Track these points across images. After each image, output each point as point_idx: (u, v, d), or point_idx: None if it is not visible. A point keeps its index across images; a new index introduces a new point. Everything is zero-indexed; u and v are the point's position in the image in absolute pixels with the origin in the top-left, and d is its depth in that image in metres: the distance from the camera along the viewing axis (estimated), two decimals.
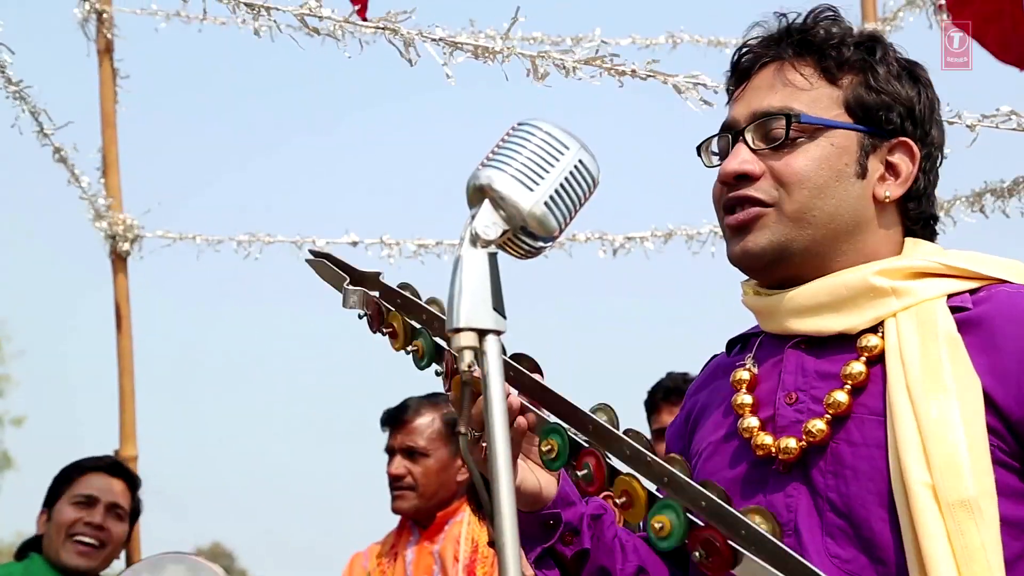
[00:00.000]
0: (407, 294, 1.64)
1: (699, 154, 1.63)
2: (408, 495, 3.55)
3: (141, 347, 4.15)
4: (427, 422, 3.57)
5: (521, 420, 1.50)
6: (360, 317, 1.69)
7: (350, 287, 1.69)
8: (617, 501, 1.42)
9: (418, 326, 1.62)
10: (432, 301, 1.62)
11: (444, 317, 1.49)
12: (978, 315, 1.47)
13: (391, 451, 3.61)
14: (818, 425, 1.47)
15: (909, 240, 1.58)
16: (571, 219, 1.34)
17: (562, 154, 1.33)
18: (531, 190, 1.31)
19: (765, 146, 1.54)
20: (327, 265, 1.72)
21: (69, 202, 4.05)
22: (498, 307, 1.23)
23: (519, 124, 1.35)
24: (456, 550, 3.49)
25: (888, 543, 1.42)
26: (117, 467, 3.58)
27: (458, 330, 1.22)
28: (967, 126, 2.94)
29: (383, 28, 2.85)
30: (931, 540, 1.37)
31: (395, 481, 3.56)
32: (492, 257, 1.27)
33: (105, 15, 4.02)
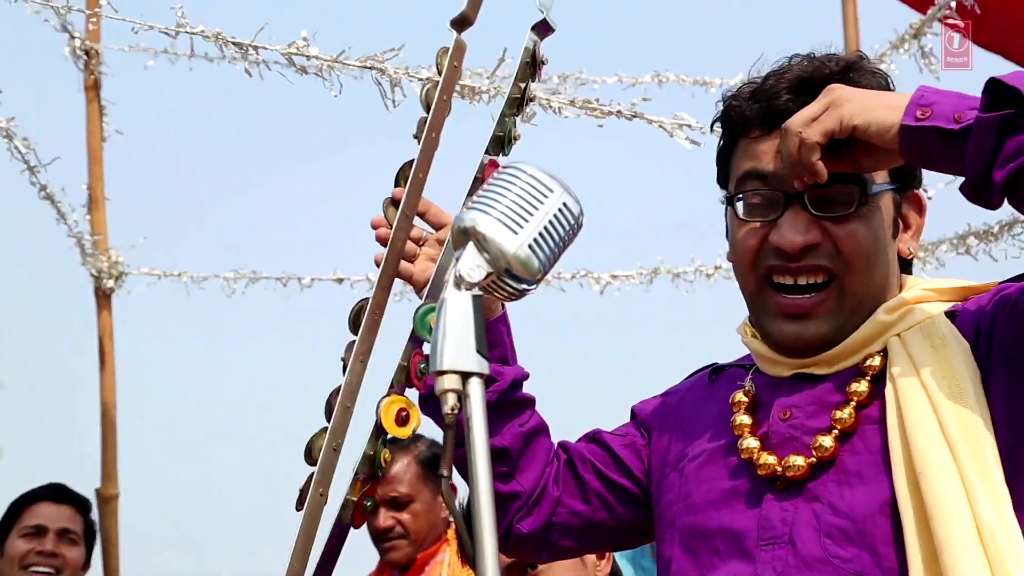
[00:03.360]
0: None
1: (730, 204, 1.55)
2: (400, 544, 3.49)
3: (125, 384, 4.12)
4: (403, 467, 3.51)
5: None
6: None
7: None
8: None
9: None
10: None
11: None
12: (962, 314, 1.51)
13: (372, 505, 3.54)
14: (825, 442, 1.48)
15: (909, 280, 1.59)
16: (555, 261, 1.35)
17: (546, 197, 1.33)
18: (515, 233, 1.31)
19: (827, 214, 1.49)
20: None
21: (55, 239, 4.04)
22: (481, 350, 1.23)
23: (504, 167, 1.36)
24: None
25: (888, 541, 1.43)
26: (63, 492, 3.54)
27: (441, 372, 1.22)
28: None
29: (370, 67, 2.87)
30: (950, 523, 1.36)
31: (385, 534, 3.50)
32: (476, 300, 1.27)
33: (93, 52, 4.03)
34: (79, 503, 3.55)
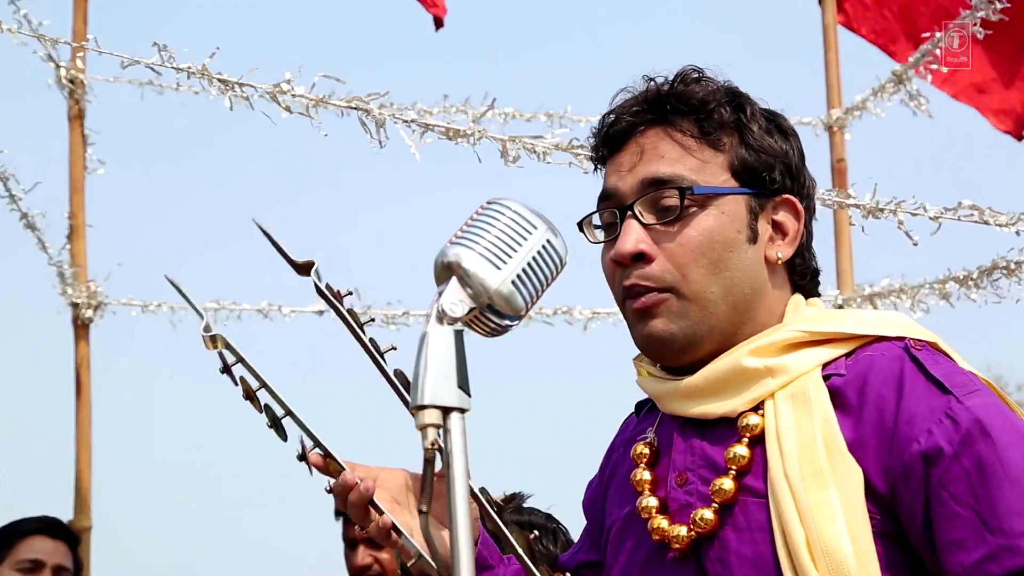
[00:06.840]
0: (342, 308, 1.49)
1: (581, 230, 1.55)
2: None
3: (101, 416, 4.09)
4: None
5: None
6: (222, 372, 1.53)
7: (205, 334, 1.51)
8: None
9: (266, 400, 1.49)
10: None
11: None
12: (845, 384, 1.44)
13: (351, 542, 3.52)
14: (706, 515, 1.45)
15: (791, 302, 1.54)
16: (537, 298, 1.35)
17: (530, 234, 1.34)
18: (498, 268, 1.32)
19: (656, 221, 1.48)
20: (272, 240, 1.57)
21: (35, 267, 4.03)
22: (463, 385, 1.23)
23: (488, 203, 1.37)
24: None
25: None
26: (58, 527, 3.47)
27: (422, 407, 1.21)
28: (930, 218, 2.99)
29: (355, 108, 2.88)
30: None
31: (362, 572, 3.48)
32: (458, 335, 1.27)
33: (78, 82, 4.03)
34: (72, 539, 3.49)
